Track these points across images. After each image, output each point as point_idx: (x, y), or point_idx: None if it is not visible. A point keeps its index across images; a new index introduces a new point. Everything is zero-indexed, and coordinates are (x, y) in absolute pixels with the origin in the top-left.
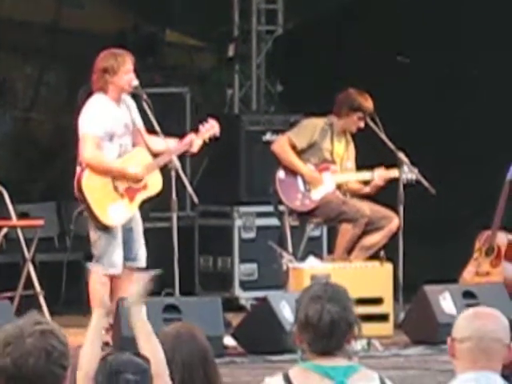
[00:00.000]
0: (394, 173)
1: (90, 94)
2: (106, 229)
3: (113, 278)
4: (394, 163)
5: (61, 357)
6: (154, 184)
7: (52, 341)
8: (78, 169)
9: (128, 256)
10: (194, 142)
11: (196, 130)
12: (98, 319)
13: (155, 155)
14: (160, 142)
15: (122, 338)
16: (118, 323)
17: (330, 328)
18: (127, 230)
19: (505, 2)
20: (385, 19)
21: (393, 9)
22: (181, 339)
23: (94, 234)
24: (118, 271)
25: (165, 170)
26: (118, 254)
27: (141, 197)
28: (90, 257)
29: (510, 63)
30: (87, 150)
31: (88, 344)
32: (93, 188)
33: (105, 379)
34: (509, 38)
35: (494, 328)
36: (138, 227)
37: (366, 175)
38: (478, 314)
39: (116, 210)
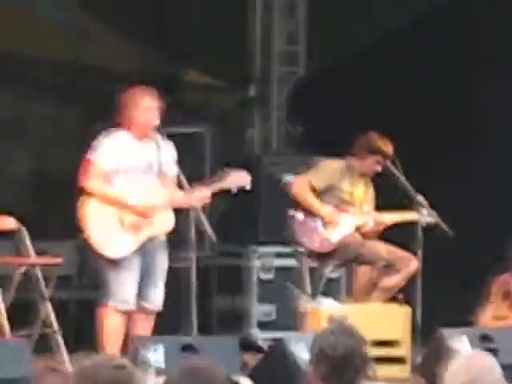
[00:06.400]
0: (390, 217)
1: (102, 130)
2: (115, 261)
3: (128, 315)
4: (412, 206)
5: None
6: (162, 222)
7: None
8: (81, 197)
9: (139, 294)
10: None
11: (214, 174)
12: None
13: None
14: (180, 195)
15: None
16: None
17: (344, 360)
18: (143, 267)
19: None
20: (407, 63)
21: (414, 52)
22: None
23: (102, 267)
24: (130, 307)
25: (183, 210)
26: (129, 288)
27: (145, 233)
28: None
29: None
30: (90, 178)
31: None
32: (96, 217)
33: None
34: None
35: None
36: (157, 267)
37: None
38: None
39: (119, 242)
